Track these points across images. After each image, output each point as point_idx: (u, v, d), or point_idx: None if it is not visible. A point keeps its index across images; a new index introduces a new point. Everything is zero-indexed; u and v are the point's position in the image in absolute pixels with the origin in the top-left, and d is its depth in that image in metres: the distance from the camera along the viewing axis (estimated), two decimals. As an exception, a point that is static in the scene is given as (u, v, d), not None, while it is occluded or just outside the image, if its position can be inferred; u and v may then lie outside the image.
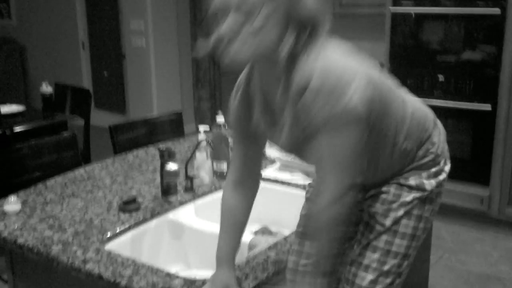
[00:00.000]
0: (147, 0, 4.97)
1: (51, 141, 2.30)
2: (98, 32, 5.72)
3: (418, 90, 3.24)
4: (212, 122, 5.58)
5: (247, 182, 1.37)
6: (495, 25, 3.00)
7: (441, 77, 3.24)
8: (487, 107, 3.09)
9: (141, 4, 4.99)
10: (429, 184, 1.26)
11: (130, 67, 5.37)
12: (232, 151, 1.40)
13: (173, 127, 2.74)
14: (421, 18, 3.24)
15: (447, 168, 1.33)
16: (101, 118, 5.37)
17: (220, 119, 1.99)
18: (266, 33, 1.07)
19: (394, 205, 1.24)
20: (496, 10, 2.96)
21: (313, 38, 1.10)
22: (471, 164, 3.23)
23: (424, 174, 1.26)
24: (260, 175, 1.40)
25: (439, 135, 1.31)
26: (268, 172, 2.04)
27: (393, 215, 1.24)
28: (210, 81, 5.39)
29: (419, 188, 1.25)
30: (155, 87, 5.24)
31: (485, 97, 3.11)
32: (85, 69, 5.96)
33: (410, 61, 3.32)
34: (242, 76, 1.27)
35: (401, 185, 1.25)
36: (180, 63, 5.37)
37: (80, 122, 3.50)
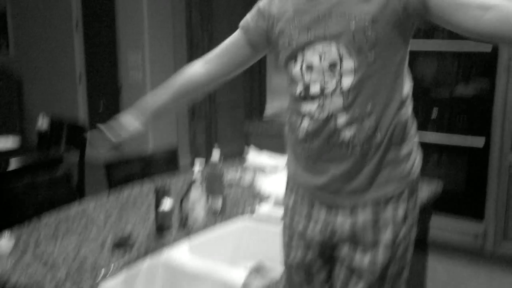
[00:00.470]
0: (145, 34, 5.04)
1: (46, 178, 2.30)
2: (96, 65, 5.77)
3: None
4: (207, 154, 5.59)
5: (216, 70, 1.47)
6: (487, 61, 3.06)
7: (434, 112, 3.28)
8: (480, 141, 3.12)
9: (139, 38, 5.06)
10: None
11: (127, 100, 5.40)
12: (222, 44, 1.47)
13: (168, 162, 2.75)
14: (415, 54, 3.30)
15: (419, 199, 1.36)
16: (97, 148, 5.37)
17: (215, 154, 2.00)
18: None
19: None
20: (488, 47, 3.02)
21: None
22: (465, 198, 3.24)
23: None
24: (227, 76, 1.50)
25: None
26: (262, 209, 2.04)
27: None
28: (206, 114, 5.42)
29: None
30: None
31: (478, 131, 3.14)
32: (81, 102, 5.99)
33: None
34: None
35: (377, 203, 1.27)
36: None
37: (75, 157, 3.50)
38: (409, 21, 1.21)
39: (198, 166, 2.03)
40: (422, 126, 3.29)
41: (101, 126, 1.52)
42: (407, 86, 1.31)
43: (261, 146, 2.93)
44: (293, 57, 1.29)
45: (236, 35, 1.46)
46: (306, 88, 1.27)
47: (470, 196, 3.21)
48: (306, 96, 1.27)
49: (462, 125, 3.21)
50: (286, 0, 1.32)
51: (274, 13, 1.34)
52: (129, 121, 1.53)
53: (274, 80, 5.21)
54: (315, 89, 1.25)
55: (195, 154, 5.44)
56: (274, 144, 2.54)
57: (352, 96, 1.22)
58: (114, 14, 5.36)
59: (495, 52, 3.00)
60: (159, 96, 1.53)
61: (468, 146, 3.17)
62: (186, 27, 5.19)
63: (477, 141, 3.13)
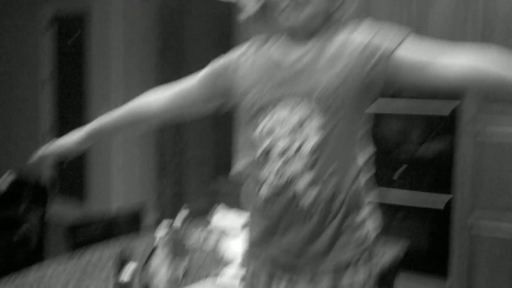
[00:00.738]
0: (115, 91, 5.04)
1: (3, 242, 2.23)
2: (63, 121, 5.73)
3: (376, 184, 3.31)
4: (174, 211, 5.52)
5: (170, 102, 1.48)
6: (448, 122, 3.14)
7: (398, 172, 3.33)
8: (443, 201, 3.16)
9: (109, 95, 5.05)
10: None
11: (92, 153, 5.35)
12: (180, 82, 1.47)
13: (132, 223, 2.71)
14: (378, 115, 3.38)
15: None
16: (59, 207, 5.26)
17: (180, 216, 1.98)
18: None
19: None
20: (446, 110, 3.12)
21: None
22: (429, 257, 3.25)
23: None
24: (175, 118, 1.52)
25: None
26: (226, 274, 2.00)
27: None
28: (174, 169, 5.40)
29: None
30: (117, 176, 5.20)
31: (441, 191, 3.19)
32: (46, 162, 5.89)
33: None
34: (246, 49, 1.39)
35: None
36: (144, 150, 5.38)
37: (37, 217, 3.41)
38: (372, 87, 1.25)
39: (161, 230, 2.00)
40: (385, 187, 3.37)
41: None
42: (367, 152, 1.34)
43: (229, 203, 2.91)
44: (255, 118, 1.30)
45: (194, 81, 1.46)
46: (267, 151, 1.28)
47: (434, 255, 3.23)
48: (267, 157, 1.28)
49: (424, 185, 3.26)
50: (254, 60, 1.35)
51: (240, 72, 1.36)
52: (68, 136, 1.56)
53: (243, 137, 5.24)
54: (277, 150, 1.26)
55: (161, 210, 5.37)
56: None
57: (313, 160, 1.23)
58: (83, 72, 5.37)
59: (454, 113, 3.10)
60: (106, 118, 1.55)
61: (431, 206, 3.21)
62: (156, 82, 5.23)
63: (440, 201, 3.18)
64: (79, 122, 5.42)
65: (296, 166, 1.24)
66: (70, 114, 5.65)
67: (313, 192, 1.24)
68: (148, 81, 5.21)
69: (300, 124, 1.24)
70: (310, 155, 1.24)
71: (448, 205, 3.16)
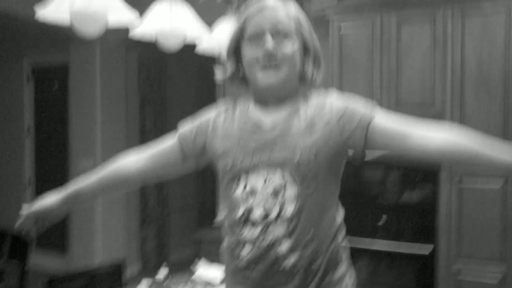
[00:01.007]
0: (98, 140, 5.03)
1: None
2: (46, 169, 5.69)
3: (360, 234, 3.33)
4: (157, 261, 5.45)
5: (151, 165, 1.47)
6: (431, 170, 3.17)
7: (382, 220, 3.34)
8: (428, 248, 3.17)
9: (91, 144, 5.04)
10: None
11: (76, 205, 5.28)
12: (158, 142, 1.49)
13: (114, 277, 2.66)
14: (362, 163, 3.41)
15: None
16: (40, 259, 5.16)
17: (162, 272, 1.96)
18: (297, 57, 1.32)
19: None
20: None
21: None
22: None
23: None
24: (164, 172, 1.50)
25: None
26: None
27: None
28: (157, 220, 5.35)
29: None
30: (100, 225, 5.13)
31: (425, 239, 3.20)
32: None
33: (352, 203, 3.43)
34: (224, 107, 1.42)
35: None
36: (127, 202, 5.34)
37: (17, 270, 3.34)
38: (345, 154, 1.31)
39: (143, 286, 1.98)
40: (370, 234, 3.37)
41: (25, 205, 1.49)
42: (341, 212, 1.37)
43: (213, 253, 2.88)
44: (235, 179, 1.31)
45: (171, 141, 1.48)
46: (248, 212, 1.28)
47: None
48: (247, 220, 1.28)
49: (409, 233, 3.26)
50: (232, 122, 1.37)
51: (219, 133, 1.38)
52: (48, 197, 1.53)
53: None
54: (257, 214, 1.27)
55: (144, 261, 5.29)
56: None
57: (294, 223, 1.25)
58: (66, 121, 5.38)
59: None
60: (86, 180, 1.52)
61: (416, 253, 3.21)
62: (138, 132, 5.25)
63: (424, 248, 3.18)
64: (61, 170, 5.42)
65: (277, 231, 1.26)
66: (52, 163, 5.62)
67: (294, 256, 1.26)
68: (129, 130, 5.23)
69: (276, 192, 1.26)
70: (288, 222, 1.25)
71: (434, 252, 3.16)
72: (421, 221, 3.24)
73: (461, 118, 3.04)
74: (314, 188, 1.26)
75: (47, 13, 1.62)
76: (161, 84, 5.38)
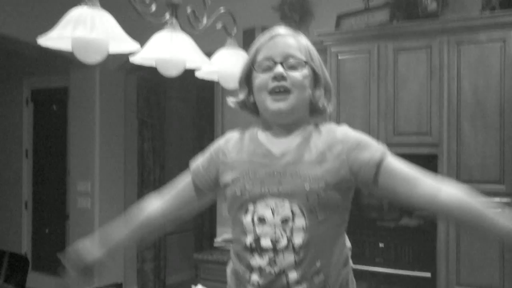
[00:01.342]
0: (96, 163, 5.05)
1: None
2: (43, 192, 5.69)
3: (359, 257, 3.32)
4: (155, 284, 5.42)
5: (172, 207, 1.48)
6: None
7: (381, 244, 3.33)
8: (426, 274, 3.16)
9: (89, 167, 5.06)
10: None
11: (73, 228, 5.28)
12: (175, 181, 1.49)
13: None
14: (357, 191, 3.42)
15: None
16: (39, 282, 5.13)
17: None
18: (307, 84, 1.33)
19: None
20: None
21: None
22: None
23: None
24: (183, 212, 1.50)
25: None
26: None
27: None
28: (154, 241, 5.34)
29: None
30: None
31: (424, 264, 3.19)
32: (25, 229, 5.81)
33: (351, 227, 3.43)
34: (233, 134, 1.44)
35: None
36: (125, 224, 5.33)
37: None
38: (354, 187, 1.33)
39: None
40: (370, 259, 3.36)
41: (61, 256, 1.50)
42: (348, 243, 1.40)
43: (210, 275, 2.88)
44: (244, 207, 1.32)
45: (186, 179, 1.49)
46: (257, 240, 1.29)
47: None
48: (256, 249, 1.29)
49: (408, 258, 3.25)
50: (241, 149, 1.38)
51: (228, 161, 1.39)
52: (89, 250, 1.51)
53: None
54: (266, 242, 1.28)
55: (142, 282, 5.26)
56: (223, 272, 2.49)
57: (303, 254, 1.26)
58: (65, 143, 5.40)
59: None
60: (119, 231, 1.53)
61: (415, 277, 3.20)
62: (137, 155, 5.26)
63: (423, 274, 3.17)
64: (58, 193, 5.42)
65: (284, 262, 1.26)
66: (50, 185, 5.63)
67: (304, 285, 1.26)
68: (127, 153, 5.24)
69: (285, 223, 1.27)
70: (295, 253, 1.26)
71: (434, 277, 3.15)
72: (419, 247, 3.23)
73: (458, 147, 3.06)
74: (322, 220, 1.27)
75: (49, 39, 1.65)
76: (160, 107, 5.41)
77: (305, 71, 1.33)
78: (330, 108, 1.39)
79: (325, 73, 1.40)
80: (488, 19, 3.01)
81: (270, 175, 1.29)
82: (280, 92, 1.30)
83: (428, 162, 3.15)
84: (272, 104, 1.31)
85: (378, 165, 1.28)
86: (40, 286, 5.19)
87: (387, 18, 3.37)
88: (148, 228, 1.53)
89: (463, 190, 1.27)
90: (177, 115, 5.84)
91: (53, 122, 5.63)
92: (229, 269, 1.43)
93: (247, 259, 1.31)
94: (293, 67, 1.32)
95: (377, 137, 3.27)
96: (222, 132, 4.00)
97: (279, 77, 1.30)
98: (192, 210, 1.54)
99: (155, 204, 1.52)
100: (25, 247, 5.66)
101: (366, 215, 3.39)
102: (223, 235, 4.83)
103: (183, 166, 5.26)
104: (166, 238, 5.51)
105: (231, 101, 1.45)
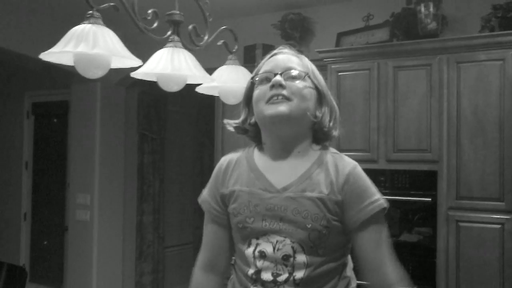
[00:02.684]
0: (96, 176, 5.05)
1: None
2: (42, 204, 5.69)
3: (360, 273, 3.29)
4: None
5: (218, 266, 1.39)
6: (429, 210, 3.18)
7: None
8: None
9: (89, 180, 5.06)
10: None
11: (72, 240, 5.27)
12: (203, 233, 1.42)
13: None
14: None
15: None
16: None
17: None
18: (311, 100, 1.28)
19: None
20: (427, 200, 3.17)
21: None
22: None
23: None
24: (230, 258, 1.39)
25: None
26: None
27: None
28: (153, 254, 5.32)
29: None
30: (96, 261, 5.10)
31: (424, 280, 3.18)
32: (24, 240, 5.80)
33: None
34: (232, 158, 1.38)
35: None
36: (124, 236, 5.32)
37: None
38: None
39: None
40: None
41: None
42: (350, 266, 1.38)
43: None
44: (247, 240, 1.30)
45: (208, 226, 1.42)
46: (258, 272, 1.28)
47: None
48: (257, 280, 1.28)
49: (408, 274, 3.24)
50: (239, 177, 1.33)
51: (227, 192, 1.34)
52: None
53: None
54: (267, 276, 1.26)
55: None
56: None
57: (305, 287, 1.25)
58: (65, 156, 5.41)
59: (434, 201, 3.14)
60: None
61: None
62: (137, 169, 5.26)
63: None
64: (58, 206, 5.41)
65: None
66: (49, 198, 5.62)
67: None
68: (127, 167, 5.25)
69: (286, 259, 1.25)
70: (298, 285, 1.25)
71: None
72: (419, 263, 3.23)
73: (457, 164, 3.07)
74: (323, 255, 1.26)
75: (51, 55, 1.66)
76: (160, 121, 5.42)
77: (306, 83, 1.29)
78: (335, 132, 1.33)
79: (330, 96, 1.34)
80: (487, 38, 3.03)
81: (271, 210, 1.26)
82: (279, 100, 1.25)
83: (428, 179, 3.15)
84: (269, 109, 1.25)
85: (362, 224, 1.26)
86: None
87: (387, 37, 3.39)
88: None
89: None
90: (178, 129, 5.85)
91: (54, 135, 5.64)
92: (230, 285, 1.43)
93: (248, 286, 1.31)
94: (293, 78, 1.27)
95: (377, 153, 3.28)
96: (222, 147, 4.01)
97: (277, 85, 1.25)
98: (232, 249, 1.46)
99: (207, 282, 1.42)
100: (23, 259, 5.64)
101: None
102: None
103: (183, 180, 5.29)
104: (165, 251, 5.49)
105: (230, 124, 1.40)
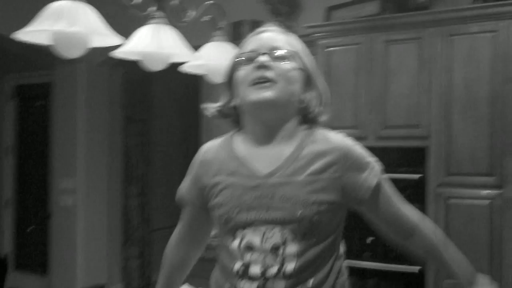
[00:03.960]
0: (79, 159, 4.95)
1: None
2: (25, 190, 5.58)
3: (347, 253, 3.27)
4: (140, 282, 5.35)
5: (192, 242, 1.41)
6: (418, 187, 3.15)
7: (369, 239, 3.30)
8: (415, 269, 3.14)
9: (73, 163, 4.96)
10: None
11: (56, 226, 5.18)
12: (181, 214, 1.42)
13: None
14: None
15: None
16: (20, 280, 5.04)
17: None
18: (298, 82, 1.22)
19: None
20: (415, 176, 3.14)
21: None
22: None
23: None
24: (206, 237, 1.42)
25: None
26: None
27: None
28: (140, 238, 5.27)
29: None
30: (81, 245, 5.03)
31: (413, 259, 3.17)
32: (6, 228, 5.70)
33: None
34: (215, 144, 1.33)
35: None
36: (109, 221, 5.24)
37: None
38: (347, 204, 1.29)
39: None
40: (358, 254, 3.32)
41: None
42: (341, 250, 1.34)
43: (198, 270, 2.82)
44: (231, 233, 1.22)
45: (186, 212, 1.41)
46: (245, 267, 1.21)
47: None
48: (244, 275, 1.21)
49: (396, 253, 3.23)
50: (220, 168, 1.27)
51: (208, 184, 1.28)
52: None
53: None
54: (255, 270, 1.19)
55: (126, 280, 5.19)
56: (211, 268, 2.44)
57: (294, 280, 1.18)
58: (48, 140, 5.29)
59: (424, 178, 3.11)
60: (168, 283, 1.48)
61: (404, 273, 3.18)
62: (122, 152, 5.18)
63: (412, 269, 3.15)
64: (41, 191, 5.31)
65: (277, 285, 1.19)
66: (33, 182, 5.52)
67: None
68: (112, 150, 5.16)
69: (276, 249, 1.18)
70: (287, 279, 1.18)
71: (422, 271, 3.13)
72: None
73: (447, 139, 3.04)
74: (315, 243, 1.19)
75: (27, 34, 1.58)
76: (145, 102, 5.33)
77: (294, 64, 1.21)
78: (324, 116, 1.26)
79: (320, 77, 1.27)
80: (479, 10, 2.99)
81: (257, 198, 1.19)
82: (264, 84, 1.17)
83: (418, 155, 3.12)
84: (253, 94, 1.18)
85: (373, 192, 1.25)
86: (23, 285, 5.09)
87: (378, 10, 3.33)
88: (184, 273, 1.49)
89: (436, 234, 1.38)
90: (163, 110, 5.76)
91: (37, 118, 5.52)
92: (212, 280, 1.37)
93: (234, 283, 1.24)
94: (279, 58, 1.20)
95: (366, 130, 3.23)
96: (208, 128, 3.95)
97: (263, 67, 1.18)
98: (204, 238, 1.47)
99: (179, 252, 1.46)
100: (7, 247, 5.54)
101: (353, 210, 3.34)
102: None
103: (169, 162, 5.20)
104: (152, 234, 5.43)
105: (209, 108, 1.33)
